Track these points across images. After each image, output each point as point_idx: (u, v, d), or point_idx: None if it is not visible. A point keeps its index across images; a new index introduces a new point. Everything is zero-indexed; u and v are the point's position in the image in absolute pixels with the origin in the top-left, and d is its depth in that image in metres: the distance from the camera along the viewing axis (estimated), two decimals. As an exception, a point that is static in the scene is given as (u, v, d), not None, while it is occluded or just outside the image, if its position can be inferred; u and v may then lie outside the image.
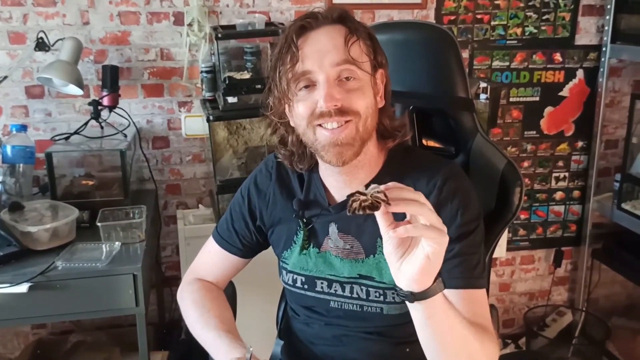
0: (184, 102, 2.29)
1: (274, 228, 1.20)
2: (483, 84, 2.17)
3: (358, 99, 1.01)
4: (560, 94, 2.57)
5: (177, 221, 2.21)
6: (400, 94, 1.27)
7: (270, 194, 1.19)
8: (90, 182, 2.04)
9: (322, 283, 1.14)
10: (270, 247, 1.25)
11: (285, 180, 1.19)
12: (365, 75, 1.02)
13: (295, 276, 1.16)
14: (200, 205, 2.36)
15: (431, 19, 2.38)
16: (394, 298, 1.08)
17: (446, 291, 0.87)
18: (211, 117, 2.03)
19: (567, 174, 2.68)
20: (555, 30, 2.49)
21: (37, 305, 1.63)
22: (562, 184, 2.69)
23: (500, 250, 2.57)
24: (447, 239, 0.80)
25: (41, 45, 1.99)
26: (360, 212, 0.77)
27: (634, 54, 2.38)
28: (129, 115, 2.18)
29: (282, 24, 2.14)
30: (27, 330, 2.36)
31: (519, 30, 2.46)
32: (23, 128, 1.97)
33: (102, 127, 2.12)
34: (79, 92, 2.03)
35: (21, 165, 1.93)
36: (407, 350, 1.13)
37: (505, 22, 2.44)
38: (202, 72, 2.19)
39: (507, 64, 2.49)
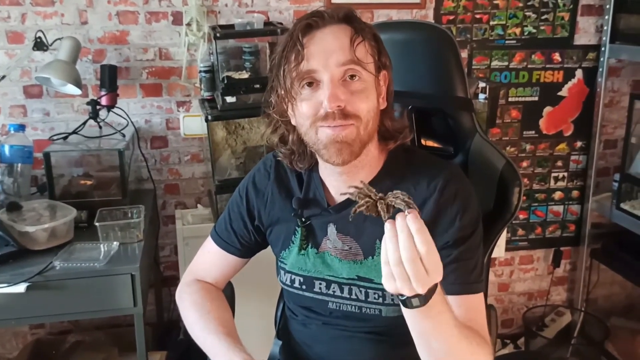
0: (183, 102, 2.29)
1: (272, 228, 1.20)
2: (482, 84, 2.16)
3: (361, 102, 1.00)
4: (559, 93, 2.56)
5: (176, 221, 2.20)
6: (399, 93, 1.26)
7: (269, 194, 1.19)
8: (89, 182, 2.04)
9: (320, 284, 1.14)
10: (270, 247, 1.24)
11: (283, 180, 1.19)
12: (370, 76, 1.02)
13: (293, 276, 1.16)
14: (198, 205, 2.36)
15: (430, 19, 2.38)
16: (392, 300, 1.08)
17: None
18: (210, 117, 2.03)
19: (566, 174, 2.67)
20: (554, 30, 2.49)
21: (35, 306, 1.62)
22: (561, 183, 2.68)
23: (499, 250, 2.56)
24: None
25: (39, 45, 1.98)
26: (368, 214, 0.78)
27: (633, 53, 2.37)
28: (127, 115, 2.18)
29: (281, 23, 2.14)
30: (26, 330, 2.35)
31: (518, 30, 2.46)
32: (21, 128, 1.97)
33: (100, 127, 2.11)
34: (77, 91, 2.02)
35: (19, 164, 1.93)
36: (405, 352, 1.12)
37: (504, 22, 2.44)
38: (200, 71, 2.18)
39: (506, 63, 2.49)
